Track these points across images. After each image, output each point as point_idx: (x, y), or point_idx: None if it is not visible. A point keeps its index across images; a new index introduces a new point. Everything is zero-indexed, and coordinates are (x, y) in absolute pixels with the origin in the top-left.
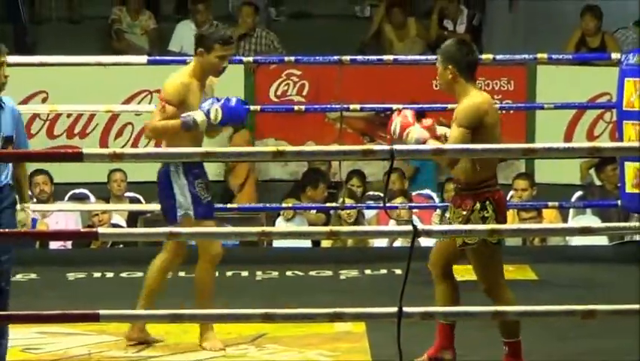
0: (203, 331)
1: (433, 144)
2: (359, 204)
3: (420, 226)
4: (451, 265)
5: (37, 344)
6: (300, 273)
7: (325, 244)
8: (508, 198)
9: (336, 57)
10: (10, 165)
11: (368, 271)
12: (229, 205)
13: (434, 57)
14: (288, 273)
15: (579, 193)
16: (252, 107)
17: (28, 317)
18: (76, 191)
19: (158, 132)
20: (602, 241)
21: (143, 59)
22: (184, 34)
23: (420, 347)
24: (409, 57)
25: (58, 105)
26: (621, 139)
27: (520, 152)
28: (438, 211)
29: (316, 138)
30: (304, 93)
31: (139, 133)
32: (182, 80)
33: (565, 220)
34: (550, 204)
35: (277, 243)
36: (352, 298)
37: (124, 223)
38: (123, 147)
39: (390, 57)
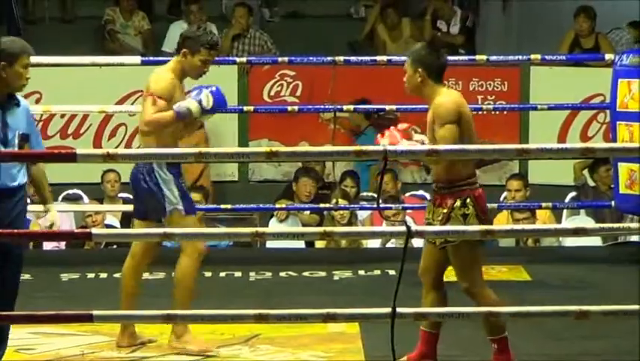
0: (181, 333)
1: (426, 146)
2: (352, 205)
3: (413, 227)
4: (442, 273)
5: (31, 344)
6: (294, 274)
7: (319, 244)
8: (501, 198)
9: (329, 58)
10: (24, 165)
11: (362, 272)
12: (222, 206)
13: None
14: (282, 274)
15: (573, 194)
16: (245, 108)
17: (21, 318)
18: (70, 192)
19: (153, 125)
20: (595, 241)
21: (137, 59)
22: (177, 34)
23: (413, 347)
24: (403, 58)
25: (51, 106)
26: (615, 140)
27: (514, 152)
28: None
29: (310, 139)
30: (298, 94)
31: (132, 133)
32: (170, 76)
33: (558, 221)
34: (543, 204)
35: (270, 243)
36: (346, 298)
37: (118, 224)
38: (117, 147)
39: (384, 58)
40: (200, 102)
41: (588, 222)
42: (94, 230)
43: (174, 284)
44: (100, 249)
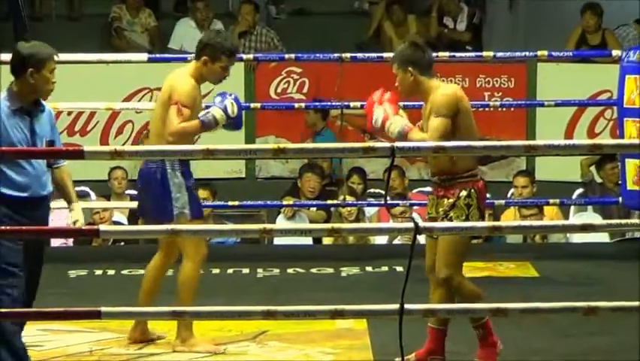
0: (186, 337)
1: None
2: (360, 202)
3: (421, 223)
4: None
5: (40, 341)
6: (301, 270)
7: (326, 241)
8: (508, 195)
9: (336, 55)
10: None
11: (369, 269)
12: (230, 203)
13: (434, 55)
14: (289, 270)
15: (580, 190)
16: (252, 105)
17: (30, 314)
18: (77, 189)
19: (179, 135)
20: (603, 238)
21: (144, 56)
22: (184, 32)
23: (421, 344)
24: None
25: (58, 103)
26: (622, 136)
27: (522, 149)
28: None
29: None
30: (304, 91)
31: (139, 131)
32: (192, 82)
33: (566, 217)
34: (551, 201)
35: (278, 240)
36: (353, 295)
37: (125, 221)
38: (124, 144)
39: (391, 54)
40: (225, 110)
41: (595, 219)
42: (102, 227)
43: (177, 288)
44: (107, 246)
